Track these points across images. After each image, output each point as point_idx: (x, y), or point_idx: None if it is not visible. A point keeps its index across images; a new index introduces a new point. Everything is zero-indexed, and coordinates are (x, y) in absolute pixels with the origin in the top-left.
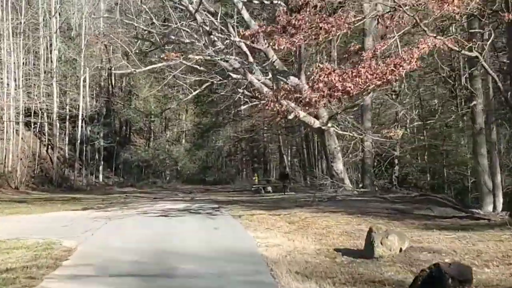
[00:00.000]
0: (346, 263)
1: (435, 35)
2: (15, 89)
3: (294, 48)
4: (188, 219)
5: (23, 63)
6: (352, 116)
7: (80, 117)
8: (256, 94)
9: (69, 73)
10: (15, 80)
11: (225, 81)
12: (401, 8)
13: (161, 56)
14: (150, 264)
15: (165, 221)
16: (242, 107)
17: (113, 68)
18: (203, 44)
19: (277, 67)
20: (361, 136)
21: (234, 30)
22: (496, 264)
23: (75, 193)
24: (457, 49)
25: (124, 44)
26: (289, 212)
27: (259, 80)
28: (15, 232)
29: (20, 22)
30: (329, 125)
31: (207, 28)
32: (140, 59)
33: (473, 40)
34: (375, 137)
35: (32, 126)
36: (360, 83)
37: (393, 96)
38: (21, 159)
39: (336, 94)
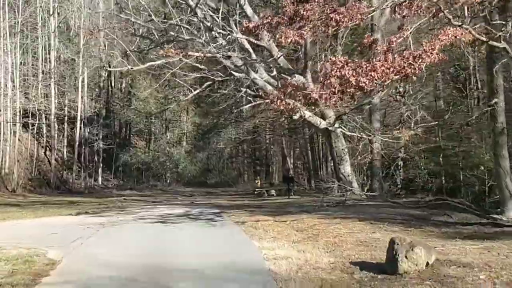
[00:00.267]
0: (367, 280)
1: (460, 23)
2: (12, 90)
3: (302, 41)
4: (187, 227)
5: (20, 63)
6: (360, 117)
7: (78, 118)
8: (260, 93)
9: (68, 73)
10: (12, 81)
11: (227, 77)
12: None
13: (160, 53)
14: (141, 283)
15: (162, 229)
16: (245, 106)
17: (111, 66)
18: (204, 40)
19: (281, 64)
20: (370, 137)
21: (236, 26)
22: None
23: (72, 196)
24: (484, 39)
25: (123, 42)
26: (296, 218)
27: (262, 79)
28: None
29: (18, 21)
30: (336, 125)
31: (208, 24)
32: (139, 59)
33: (502, 30)
34: (385, 138)
35: (30, 128)
36: (376, 77)
37: (397, 97)
38: (18, 161)
39: (349, 90)
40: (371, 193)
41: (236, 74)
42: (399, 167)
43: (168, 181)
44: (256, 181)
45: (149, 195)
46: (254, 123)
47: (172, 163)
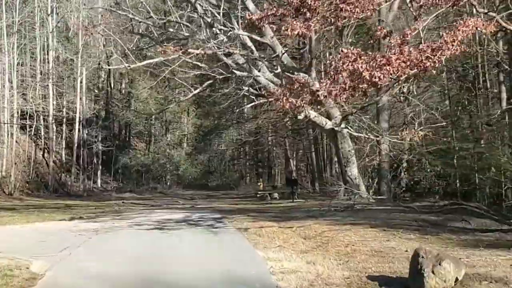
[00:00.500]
0: None
1: (486, 10)
2: (10, 91)
3: (309, 34)
4: (186, 234)
5: (18, 64)
6: (367, 116)
7: (77, 120)
8: (263, 92)
9: (66, 74)
10: (10, 82)
11: (229, 75)
12: None
13: (158, 50)
14: None
15: (159, 236)
16: (247, 106)
17: (110, 64)
18: (204, 36)
19: (285, 62)
20: (377, 138)
21: (238, 23)
22: None
23: (70, 200)
24: None
25: (121, 41)
26: (303, 224)
27: (265, 77)
28: None
29: (15, 21)
30: (343, 126)
31: (209, 20)
32: (138, 58)
33: None
34: (393, 139)
35: (28, 129)
36: (392, 72)
37: (401, 98)
38: (15, 163)
39: (361, 86)
40: (379, 197)
41: (237, 72)
42: (404, 169)
43: (168, 183)
44: (259, 184)
45: (148, 198)
46: (257, 124)
47: (172, 165)
